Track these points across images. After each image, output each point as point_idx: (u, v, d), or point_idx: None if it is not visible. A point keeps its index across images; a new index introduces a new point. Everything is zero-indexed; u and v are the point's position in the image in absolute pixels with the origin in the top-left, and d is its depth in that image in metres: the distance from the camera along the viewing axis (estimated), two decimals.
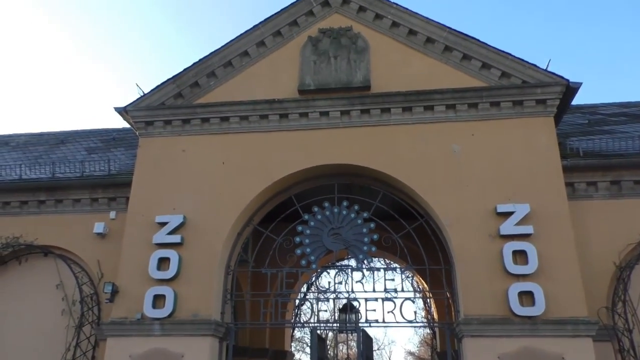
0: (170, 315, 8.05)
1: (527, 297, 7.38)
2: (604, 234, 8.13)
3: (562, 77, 8.21)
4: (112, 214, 9.63)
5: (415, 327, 10.99)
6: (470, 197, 8.06)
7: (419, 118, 8.62)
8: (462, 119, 8.52)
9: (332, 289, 8.33)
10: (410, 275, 8.29)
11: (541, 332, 7.19)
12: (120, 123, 16.16)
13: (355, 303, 8.07)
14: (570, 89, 8.20)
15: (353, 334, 9.22)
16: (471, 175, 8.17)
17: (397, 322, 8.03)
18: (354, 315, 9.22)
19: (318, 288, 8.33)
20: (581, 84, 8.13)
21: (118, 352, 8.02)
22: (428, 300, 8.10)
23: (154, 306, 8.12)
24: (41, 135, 13.53)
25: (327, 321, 8.20)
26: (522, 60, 8.43)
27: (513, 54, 8.48)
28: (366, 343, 7.99)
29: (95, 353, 8.79)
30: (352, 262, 8.81)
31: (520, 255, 7.58)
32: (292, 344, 13.14)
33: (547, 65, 8.33)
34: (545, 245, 7.56)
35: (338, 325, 8.09)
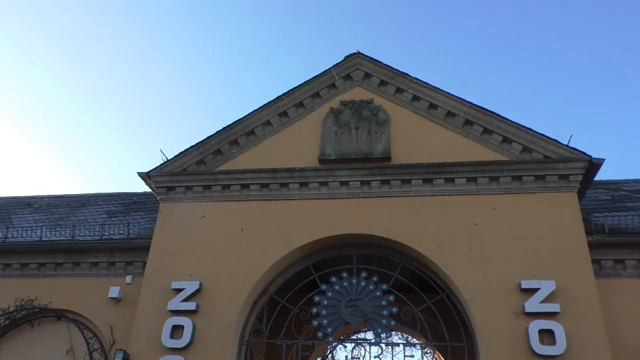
0: None
1: None
2: (633, 313, 7.78)
3: (584, 153, 8.21)
4: (129, 279, 9.54)
5: None
6: (492, 271, 7.86)
7: (439, 190, 8.61)
8: (484, 192, 8.48)
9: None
10: (430, 352, 7.92)
11: None
12: (141, 187, 16.39)
13: None
14: (593, 164, 8.17)
15: None
16: (493, 249, 8.02)
17: None
18: None
19: None
20: (604, 160, 8.12)
21: None
22: None
23: None
24: (63, 197, 13.76)
25: None
26: (544, 135, 8.49)
27: (534, 128, 8.56)
28: None
29: None
30: (370, 336, 8.50)
31: (547, 335, 7.26)
32: None
33: (569, 141, 8.38)
34: (572, 325, 7.25)
35: None
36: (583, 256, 7.74)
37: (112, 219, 11.61)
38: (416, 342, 7.94)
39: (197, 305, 8.30)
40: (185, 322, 8.17)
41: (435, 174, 8.62)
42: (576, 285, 7.53)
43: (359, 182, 8.86)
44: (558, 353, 7.07)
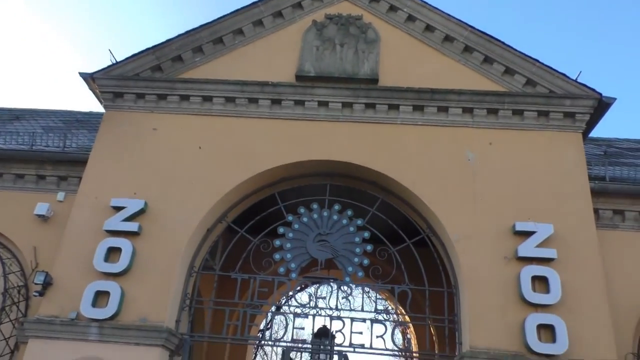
0: (112, 317, 6.55)
1: (546, 331, 6.20)
2: (629, 269, 7.08)
3: (594, 90, 7.35)
4: (60, 196, 8.13)
5: (407, 357, 9.59)
6: (483, 211, 6.96)
7: (431, 119, 7.59)
8: (480, 125, 7.53)
9: (312, 304, 6.97)
10: (409, 292, 6.97)
11: None
12: (89, 106, 14.55)
13: (339, 323, 6.73)
14: (603, 103, 7.33)
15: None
16: (486, 187, 7.11)
17: (387, 349, 6.71)
18: (328, 342, 7.83)
19: (296, 302, 6.97)
20: (615, 99, 7.29)
21: (41, 358, 6.43)
22: (428, 327, 6.79)
23: (94, 304, 6.63)
24: None
25: (304, 341, 6.74)
26: (551, 68, 7.56)
27: (541, 59, 7.63)
28: None
29: (14, 358, 7.12)
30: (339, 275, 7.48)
31: (540, 283, 6.44)
32: None
33: (577, 77, 7.48)
34: (569, 274, 6.45)
35: (320, 347, 6.67)
36: (585, 202, 6.94)
37: (49, 134, 10.06)
38: (392, 286, 6.96)
39: (140, 227, 7.05)
40: (124, 244, 6.92)
41: (427, 101, 7.59)
42: (575, 232, 6.73)
43: (340, 104, 7.73)
44: (551, 302, 6.27)
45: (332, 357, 7.33)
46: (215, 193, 7.35)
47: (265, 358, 12.22)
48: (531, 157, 7.25)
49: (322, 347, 6.89)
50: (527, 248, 6.55)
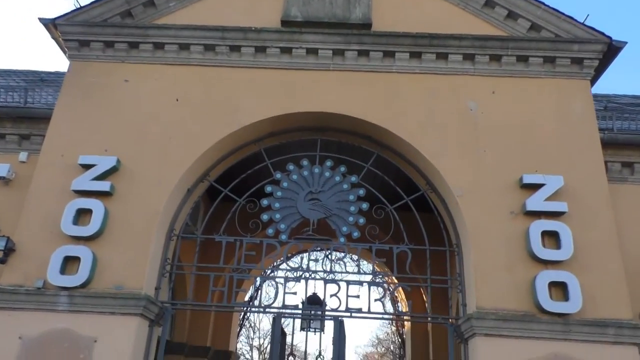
0: (84, 285, 5.91)
1: (558, 289, 5.79)
2: (638, 224, 6.71)
3: (603, 34, 6.84)
4: (23, 156, 7.40)
5: (407, 320, 9.24)
6: (488, 164, 6.47)
7: (429, 67, 7.00)
8: (482, 72, 6.97)
9: (304, 267, 6.43)
10: (408, 252, 6.47)
11: (575, 335, 5.58)
12: (55, 66, 13.44)
13: (333, 287, 6.21)
14: (613, 48, 6.83)
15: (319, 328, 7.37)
16: (490, 139, 6.60)
17: (386, 313, 6.25)
18: (311, 317, 7.33)
19: (287, 265, 6.41)
20: (625, 43, 6.78)
21: (3, 331, 5.78)
22: (430, 289, 6.32)
23: (63, 271, 5.97)
24: None
25: (297, 307, 6.22)
26: (557, 10, 7.01)
27: (546, 2, 7.06)
28: (341, 337, 6.13)
29: None
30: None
31: (550, 238, 6.00)
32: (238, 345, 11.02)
33: (585, 20, 6.95)
34: (580, 229, 6.03)
35: (310, 312, 6.14)
36: (595, 153, 6.48)
37: (9, 93, 9.17)
38: (390, 246, 6.45)
39: (113, 187, 6.37)
40: (95, 205, 6.24)
41: (425, 47, 6.98)
42: (586, 185, 6.28)
43: (331, 51, 7.07)
44: (563, 258, 5.84)
45: (324, 324, 6.82)
46: (195, 150, 6.69)
47: (251, 326, 11.76)
48: (537, 106, 6.75)
49: (312, 312, 6.37)
50: (536, 202, 6.09)
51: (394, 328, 12.94)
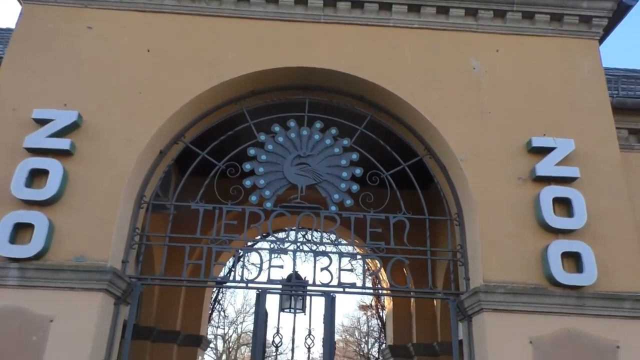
0: (38, 257, 5.10)
1: (570, 261, 5.33)
2: None
3: None
4: None
5: (407, 296, 8.70)
6: (493, 126, 5.95)
7: (429, 22, 6.41)
8: (485, 29, 6.42)
9: (292, 238, 5.79)
10: (406, 221, 5.87)
11: (589, 309, 5.14)
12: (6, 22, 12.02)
13: (324, 260, 5.59)
14: (623, 6, 6.39)
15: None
16: (495, 99, 6.08)
17: (383, 289, 5.67)
18: (301, 292, 6.69)
19: (272, 236, 5.74)
20: (636, 1, 6.36)
21: None
22: (428, 262, 5.77)
23: (13, 241, 5.14)
24: None
25: (283, 280, 5.56)
26: None
27: None
28: (332, 315, 5.52)
29: None
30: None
31: (561, 206, 5.53)
32: (209, 329, 10.31)
33: None
34: (593, 195, 5.58)
35: (292, 289, 5.45)
36: (605, 116, 6.04)
37: None
38: (386, 215, 5.86)
39: (73, 145, 5.55)
40: (52, 166, 5.41)
41: (424, 0, 6.39)
42: (597, 149, 5.84)
43: (322, 2, 6.37)
44: (576, 227, 5.38)
45: (310, 301, 6.22)
46: (168, 106, 5.92)
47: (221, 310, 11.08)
48: (543, 66, 6.26)
49: (304, 287, 5.72)
50: (546, 166, 5.60)
51: (367, 312, 12.44)
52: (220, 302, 11.11)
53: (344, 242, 5.72)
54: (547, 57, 6.30)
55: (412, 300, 9.76)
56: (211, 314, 10.83)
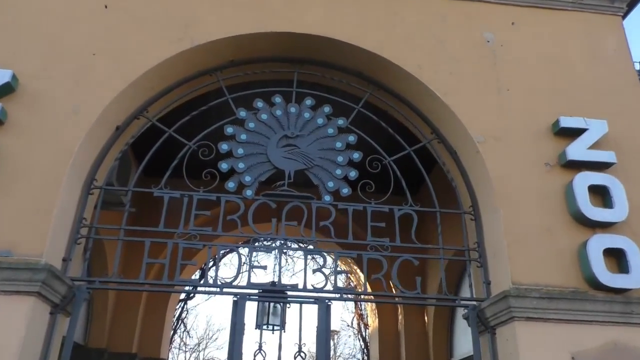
0: None
1: (611, 259, 4.48)
2: None
3: None
4: None
5: (416, 303, 7.63)
6: (512, 105, 5.13)
7: None
8: (499, 0, 5.67)
9: (278, 233, 4.75)
10: (414, 213, 4.88)
11: (637, 317, 4.29)
12: None
13: (318, 259, 4.58)
14: None
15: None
16: (512, 76, 5.28)
17: (388, 295, 4.70)
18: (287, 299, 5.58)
19: (254, 230, 4.69)
20: None
21: None
22: (441, 261, 4.82)
23: None
24: None
25: (269, 285, 4.49)
26: None
27: None
28: (328, 326, 4.47)
29: None
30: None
31: (596, 196, 4.72)
32: (170, 350, 8.99)
33: None
34: (631, 184, 4.79)
35: (292, 293, 4.37)
36: (635, 95, 5.33)
37: None
38: (391, 207, 4.90)
39: (4, 112, 4.41)
40: None
41: None
42: (633, 133, 5.09)
43: None
44: (617, 219, 4.56)
45: (285, 310, 5.18)
46: (127, 72, 4.86)
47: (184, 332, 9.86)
48: (564, 41, 5.53)
49: (278, 296, 4.64)
50: (578, 150, 4.79)
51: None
52: (184, 321, 9.82)
53: (336, 240, 4.68)
54: (568, 32, 5.58)
55: (400, 315, 8.79)
56: (174, 333, 9.55)
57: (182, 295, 9.98)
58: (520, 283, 4.35)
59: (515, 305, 4.21)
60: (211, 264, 4.63)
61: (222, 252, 4.57)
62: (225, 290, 4.46)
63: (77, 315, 4.14)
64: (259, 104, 5.20)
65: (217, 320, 37.85)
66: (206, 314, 40.29)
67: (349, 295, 4.87)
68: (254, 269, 4.57)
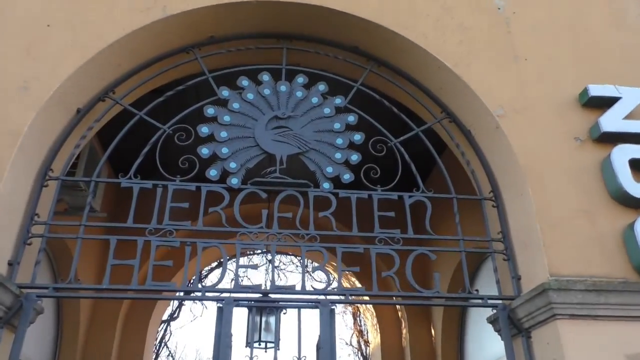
0: None
1: None
2: None
3: None
4: None
5: (434, 304, 6.83)
6: (533, 75, 4.53)
7: None
8: None
9: (270, 228, 4.03)
10: (427, 201, 4.19)
11: None
12: None
13: (317, 256, 3.85)
14: None
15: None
16: (529, 44, 4.69)
17: (403, 295, 3.98)
18: (273, 318, 4.81)
19: (242, 225, 3.95)
20: None
21: None
22: (462, 254, 4.12)
23: None
24: None
25: (258, 287, 3.72)
26: None
27: None
28: (332, 334, 3.72)
29: None
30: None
31: (637, 172, 4.09)
32: None
33: None
34: None
35: (285, 298, 3.59)
36: None
37: None
38: (398, 194, 4.22)
39: None
40: None
41: None
42: None
43: None
44: None
45: (279, 317, 4.42)
46: (89, 45, 4.16)
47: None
48: (582, 6, 4.98)
49: (272, 300, 3.88)
50: (613, 121, 4.18)
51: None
52: (167, 344, 8.96)
53: (339, 233, 3.97)
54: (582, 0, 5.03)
55: (405, 330, 8.04)
56: (159, 349, 8.69)
57: (165, 316, 9.13)
58: (560, 275, 3.66)
59: (557, 301, 3.51)
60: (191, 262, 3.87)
61: (203, 248, 3.80)
62: (207, 294, 3.70)
63: (23, 329, 3.34)
64: (244, 82, 4.53)
65: (208, 347, 36.38)
66: (195, 341, 38.75)
67: (354, 297, 4.10)
68: (242, 269, 3.82)
